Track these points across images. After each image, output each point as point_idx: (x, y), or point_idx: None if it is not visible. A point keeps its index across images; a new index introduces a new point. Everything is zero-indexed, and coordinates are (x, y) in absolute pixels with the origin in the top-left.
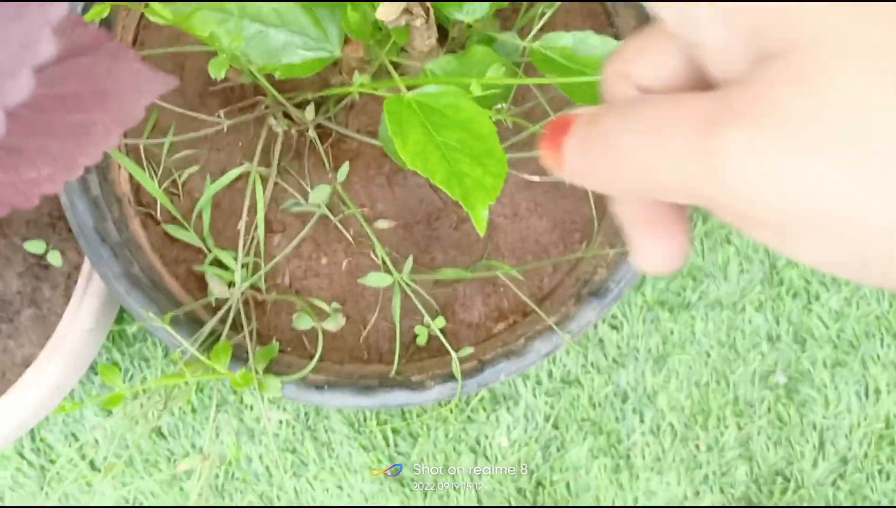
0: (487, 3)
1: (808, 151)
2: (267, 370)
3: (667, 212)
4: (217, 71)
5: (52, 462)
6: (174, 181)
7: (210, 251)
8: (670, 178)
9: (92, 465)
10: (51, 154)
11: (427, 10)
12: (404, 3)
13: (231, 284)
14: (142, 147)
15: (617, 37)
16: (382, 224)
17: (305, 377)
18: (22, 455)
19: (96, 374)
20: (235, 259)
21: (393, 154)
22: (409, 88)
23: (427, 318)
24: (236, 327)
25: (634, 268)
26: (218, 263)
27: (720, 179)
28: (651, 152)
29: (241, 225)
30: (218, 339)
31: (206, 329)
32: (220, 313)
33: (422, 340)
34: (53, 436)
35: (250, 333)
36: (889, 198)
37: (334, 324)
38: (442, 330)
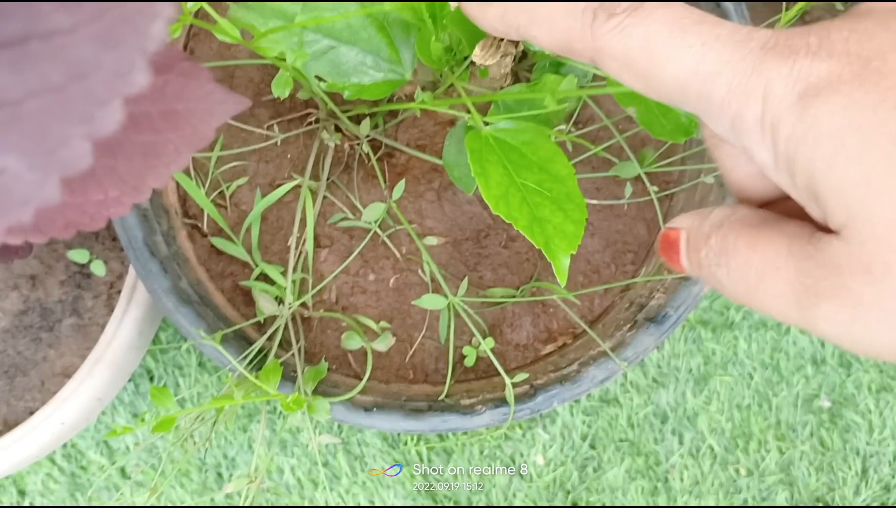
0: None
1: (877, 324)
2: (314, 391)
3: None
4: (281, 90)
5: (82, 468)
6: (221, 193)
7: (257, 266)
8: (772, 312)
9: (123, 473)
10: (119, 176)
11: (517, 46)
12: (502, 45)
13: (278, 300)
14: (190, 158)
15: None
16: (431, 241)
17: (353, 398)
18: (53, 461)
19: (130, 381)
20: (283, 274)
21: (458, 180)
22: (477, 107)
23: (477, 338)
24: (283, 344)
25: (694, 294)
26: (264, 277)
27: (817, 332)
28: (751, 297)
29: (292, 241)
30: (265, 356)
31: (255, 347)
32: (270, 331)
33: (470, 361)
34: (85, 443)
35: (298, 351)
36: None
37: (384, 344)
38: (490, 351)
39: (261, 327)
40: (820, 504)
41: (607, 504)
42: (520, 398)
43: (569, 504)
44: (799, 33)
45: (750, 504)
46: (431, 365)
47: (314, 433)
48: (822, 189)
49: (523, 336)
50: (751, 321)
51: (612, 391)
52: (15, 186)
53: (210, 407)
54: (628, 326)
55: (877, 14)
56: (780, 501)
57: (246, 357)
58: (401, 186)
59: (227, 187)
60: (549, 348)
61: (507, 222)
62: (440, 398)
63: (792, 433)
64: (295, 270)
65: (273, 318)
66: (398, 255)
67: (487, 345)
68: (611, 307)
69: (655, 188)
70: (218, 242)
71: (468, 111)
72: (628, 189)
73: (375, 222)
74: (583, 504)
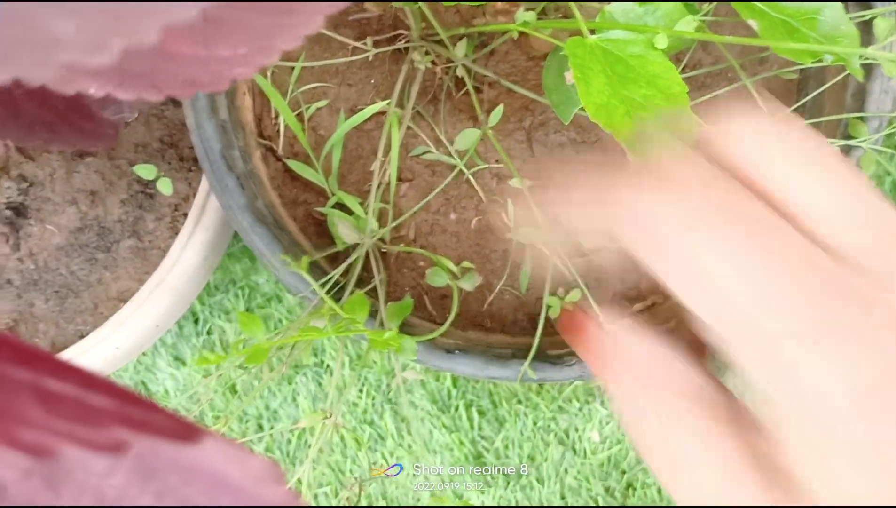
0: None
1: None
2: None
3: None
4: None
5: None
6: (300, 115)
7: (334, 194)
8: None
9: None
10: (249, 31)
11: None
12: None
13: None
14: (269, 75)
15: None
16: (517, 183)
17: (435, 338)
18: None
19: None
20: (361, 204)
21: (556, 107)
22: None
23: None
24: (358, 280)
25: None
26: (340, 207)
27: None
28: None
29: (376, 165)
30: (340, 291)
31: (332, 278)
32: (349, 261)
33: (554, 312)
34: (123, 382)
35: (380, 283)
36: None
37: (470, 283)
38: (575, 304)
39: (334, 260)
40: None
41: (663, 488)
42: None
43: (623, 485)
44: None
45: None
46: (510, 316)
47: (400, 370)
48: None
49: (610, 292)
50: None
51: None
52: None
53: (296, 340)
54: None
55: None
56: None
57: (323, 288)
58: (498, 112)
59: (307, 109)
60: (638, 306)
61: (607, 130)
62: (530, 347)
63: None
64: (375, 199)
65: (348, 252)
66: (482, 195)
67: (573, 298)
68: None
69: None
70: (294, 165)
71: (570, 35)
72: None
73: (467, 152)
74: (638, 486)
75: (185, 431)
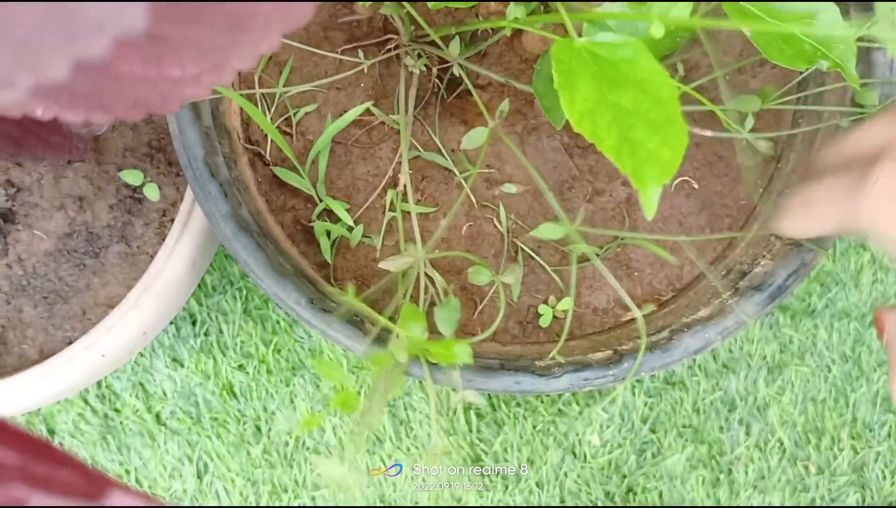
0: None
1: None
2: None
3: None
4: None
5: (116, 411)
6: (287, 120)
7: (321, 200)
8: None
9: (158, 418)
10: (200, 49)
11: None
12: None
13: (334, 241)
14: (256, 79)
15: None
16: (510, 188)
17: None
18: (86, 401)
19: (171, 324)
20: (348, 211)
21: (548, 112)
22: (576, 27)
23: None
24: (342, 287)
25: (807, 261)
26: (328, 213)
27: None
28: None
29: (389, 172)
30: (325, 303)
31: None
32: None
33: (545, 321)
34: (121, 384)
35: (442, 292)
36: None
37: (513, 276)
38: (565, 313)
39: (321, 267)
40: None
41: (664, 493)
42: (602, 364)
43: (624, 490)
44: None
45: (818, 503)
46: (500, 324)
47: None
48: None
49: (603, 300)
50: (833, 310)
51: (679, 374)
52: (88, 7)
53: (370, 371)
54: (729, 293)
55: None
56: (850, 503)
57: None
58: (505, 105)
59: (295, 114)
60: (631, 314)
61: (590, 141)
62: (519, 356)
63: (868, 433)
64: (360, 206)
65: (337, 262)
66: (473, 201)
67: (564, 306)
68: (701, 276)
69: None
70: (281, 172)
71: (565, 33)
72: (749, 121)
73: (459, 155)
74: (639, 490)
75: (89, 487)
